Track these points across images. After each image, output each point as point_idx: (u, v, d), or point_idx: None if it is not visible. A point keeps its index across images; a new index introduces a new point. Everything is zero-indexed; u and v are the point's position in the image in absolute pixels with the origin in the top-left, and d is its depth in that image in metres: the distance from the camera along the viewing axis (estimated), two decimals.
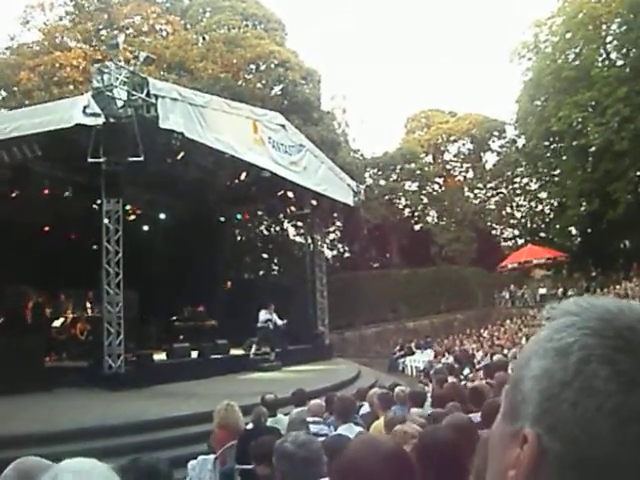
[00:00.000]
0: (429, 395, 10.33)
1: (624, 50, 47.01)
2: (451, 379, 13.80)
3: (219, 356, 22.58)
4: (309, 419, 8.92)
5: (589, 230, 50.95)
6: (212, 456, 7.93)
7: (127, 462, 4.38)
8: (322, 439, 6.53)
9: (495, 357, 21.23)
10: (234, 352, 23.91)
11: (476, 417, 6.78)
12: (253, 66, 48.29)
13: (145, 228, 27.84)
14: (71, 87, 39.83)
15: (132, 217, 25.48)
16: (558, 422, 0.94)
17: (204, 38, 49.79)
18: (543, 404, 0.97)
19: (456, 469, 3.47)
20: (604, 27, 48.50)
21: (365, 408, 10.40)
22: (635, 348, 0.94)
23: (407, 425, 5.82)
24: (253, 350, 24.42)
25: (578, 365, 0.95)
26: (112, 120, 17.57)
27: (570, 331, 0.98)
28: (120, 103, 17.67)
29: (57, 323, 23.37)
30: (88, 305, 24.25)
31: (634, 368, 0.93)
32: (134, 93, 17.66)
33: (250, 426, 8.62)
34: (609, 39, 48.59)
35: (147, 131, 17.96)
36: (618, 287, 35.70)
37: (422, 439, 3.88)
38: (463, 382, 15.53)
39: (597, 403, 0.92)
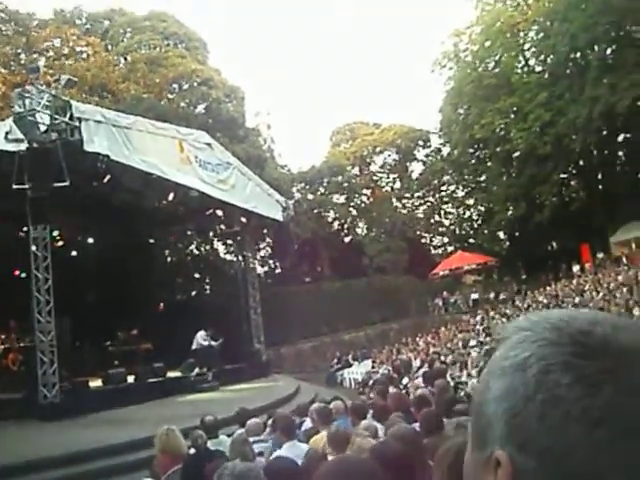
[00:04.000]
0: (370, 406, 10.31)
1: (542, 56, 48.11)
2: (391, 389, 13.82)
3: (156, 379, 22.34)
4: (250, 439, 8.84)
5: (517, 234, 51.88)
6: None
7: None
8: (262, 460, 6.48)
9: (434, 365, 21.38)
10: (171, 374, 23.64)
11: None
12: (176, 85, 48.18)
13: (74, 253, 27.42)
14: None
15: (60, 243, 25.10)
16: (528, 438, 0.92)
17: (125, 59, 49.53)
18: (509, 423, 0.94)
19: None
20: (522, 34, 49.62)
21: (307, 423, 10.34)
22: (593, 351, 0.93)
23: (365, 440, 5.79)
24: (195, 372, 24.20)
25: (538, 377, 0.93)
26: (35, 145, 17.30)
27: (524, 346, 0.97)
28: (43, 127, 17.39)
29: None
30: (13, 335, 23.73)
31: (596, 370, 0.91)
32: (57, 117, 17.41)
33: (192, 451, 8.51)
34: (527, 46, 49.70)
35: (72, 155, 17.68)
36: (549, 288, 36.19)
37: (373, 453, 3.84)
38: (404, 391, 15.55)
39: (564, 411, 0.90)
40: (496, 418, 0.96)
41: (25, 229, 20.06)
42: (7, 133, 16.98)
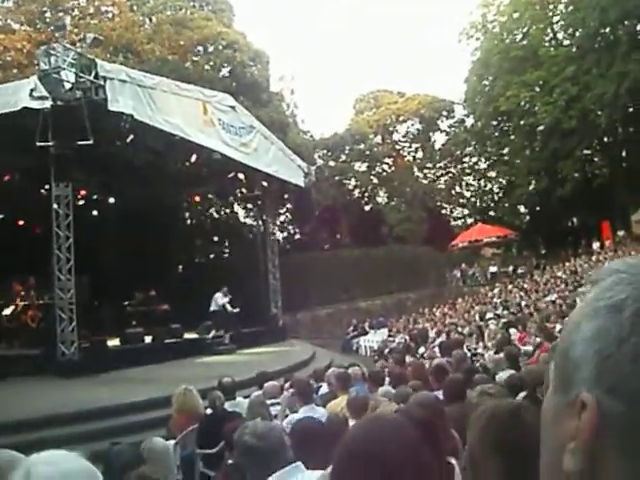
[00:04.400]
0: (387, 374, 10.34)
1: (570, 30, 47.60)
2: (408, 358, 13.85)
3: (173, 340, 22.43)
4: (268, 401, 8.89)
5: (538, 208, 51.59)
6: (172, 441, 7.84)
7: (106, 448, 4.35)
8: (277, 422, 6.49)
9: (451, 335, 21.38)
10: (188, 336, 23.73)
11: (438, 394, 6.80)
12: (201, 48, 47.90)
13: (95, 213, 27.46)
14: (15, 71, 39.11)
15: (81, 202, 25.16)
16: (619, 381, 0.89)
17: (151, 20, 49.25)
18: (600, 365, 0.91)
19: (434, 447, 3.42)
20: (551, 7, 49.07)
21: (324, 389, 10.38)
22: None
23: (387, 404, 5.80)
24: (212, 334, 24.27)
25: (633, 319, 0.90)
26: (60, 103, 17.30)
27: (620, 288, 0.94)
28: (68, 85, 17.38)
29: (7, 311, 23.02)
30: (32, 292, 23.85)
31: None
32: (82, 75, 17.38)
33: (209, 411, 8.55)
34: (556, 19, 49.15)
35: (96, 114, 17.67)
36: (568, 264, 36.04)
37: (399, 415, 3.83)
38: (420, 360, 15.57)
39: None
40: (585, 360, 0.93)
41: (47, 187, 20.13)
42: (32, 90, 16.95)
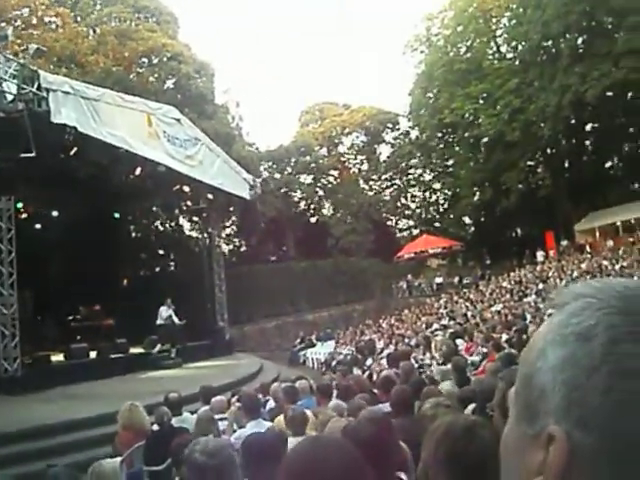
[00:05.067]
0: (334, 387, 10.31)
1: (514, 43, 48.49)
2: (355, 370, 13.85)
3: (119, 355, 22.20)
4: (215, 416, 8.80)
5: (482, 219, 52.26)
6: (118, 459, 7.71)
7: (41, 470, 4.27)
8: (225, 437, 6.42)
9: (399, 346, 21.43)
10: (134, 351, 23.53)
11: (386, 407, 6.78)
12: (145, 59, 47.68)
13: (38, 226, 27.15)
14: None
15: (24, 215, 24.82)
16: (589, 413, 0.85)
17: (95, 31, 48.87)
18: (568, 396, 0.87)
19: (382, 462, 3.40)
20: (494, 21, 49.90)
21: (271, 403, 10.33)
22: None
23: (337, 420, 5.76)
24: (157, 348, 24.09)
25: (606, 347, 0.86)
26: (2, 114, 17.04)
27: (588, 313, 0.90)
28: (10, 97, 17.13)
29: None
30: None
31: None
32: (24, 87, 17.14)
33: (156, 427, 8.44)
34: (499, 32, 50.00)
35: (39, 126, 17.42)
36: (513, 274, 36.46)
37: (346, 434, 3.79)
38: (367, 372, 15.57)
39: (635, 385, 0.83)
40: (551, 390, 0.89)
41: None
42: None
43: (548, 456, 0.87)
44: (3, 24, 41.15)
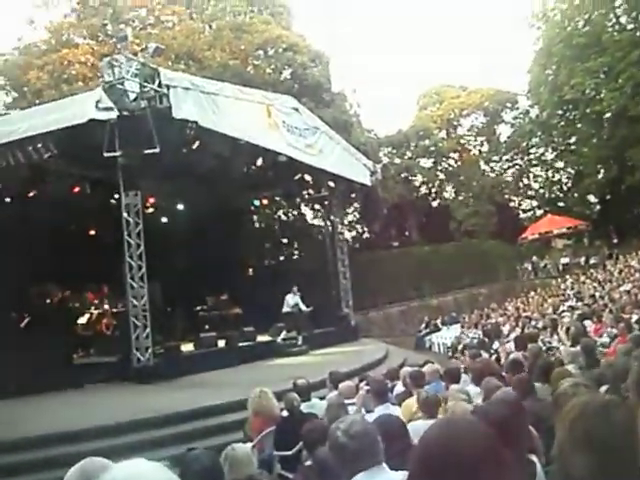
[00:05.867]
0: (462, 370, 10.26)
1: (634, 14, 46.54)
2: (483, 353, 13.71)
3: (246, 344, 22.53)
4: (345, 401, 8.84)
5: (608, 197, 50.73)
6: (249, 444, 7.85)
7: (181, 454, 4.39)
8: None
9: (525, 329, 21.15)
10: (261, 339, 23.86)
11: None
12: (261, 51, 48.03)
13: (164, 220, 27.75)
14: (80, 84, 39.63)
15: (150, 209, 25.44)
16: None
17: (210, 26, 49.52)
18: None
19: (513, 444, 3.37)
20: None
21: (399, 387, 10.33)
22: None
23: (458, 403, 5.75)
24: (282, 336, 24.37)
25: None
26: (125, 113, 17.51)
27: None
28: (132, 96, 17.61)
29: (82, 320, 23.39)
30: (105, 300, 24.20)
31: None
32: (146, 85, 17.60)
33: (285, 413, 8.55)
34: (618, 3, 48.05)
35: (161, 122, 17.85)
36: None
37: (477, 414, 3.78)
38: (494, 356, 15.42)
39: None
40: None
41: (117, 196, 20.39)
42: (97, 102, 17.14)
43: None
44: (122, 25, 42.26)
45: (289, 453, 7.59)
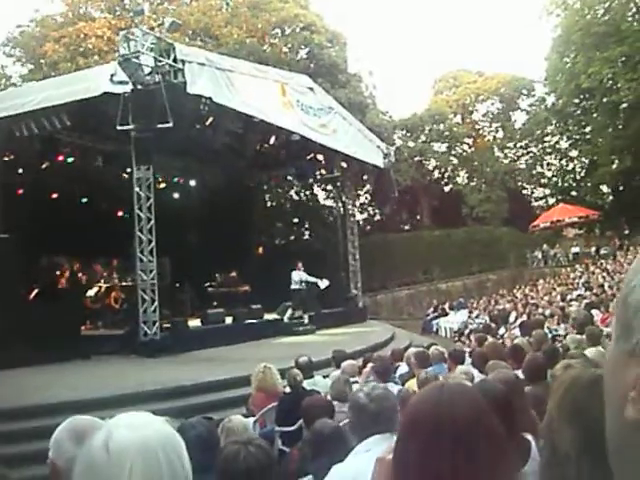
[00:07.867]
0: (467, 354, 10.28)
1: None
2: (489, 338, 13.73)
3: (253, 321, 22.58)
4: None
5: (621, 188, 50.49)
6: (251, 419, 7.91)
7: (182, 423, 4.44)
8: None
9: (532, 316, 21.16)
10: (268, 317, 23.88)
11: (518, 373, 6.72)
12: (278, 30, 47.99)
13: (175, 195, 27.76)
14: (96, 57, 39.74)
15: (162, 184, 25.49)
16: None
17: (228, 4, 49.37)
18: None
19: (508, 421, 3.38)
20: None
21: (403, 368, 10.37)
22: None
23: (456, 379, 5.77)
24: (288, 315, 24.42)
25: None
26: (140, 87, 17.50)
27: None
28: (147, 70, 17.58)
29: (91, 292, 23.46)
30: (114, 274, 24.27)
31: None
32: (161, 59, 17.57)
33: (288, 389, 8.60)
34: None
35: (175, 97, 17.83)
36: None
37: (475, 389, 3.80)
38: (500, 341, 15.43)
39: None
40: None
41: (129, 170, 20.42)
42: (112, 75, 17.16)
43: None
44: (139, 0, 42.24)
45: (290, 429, 7.65)
